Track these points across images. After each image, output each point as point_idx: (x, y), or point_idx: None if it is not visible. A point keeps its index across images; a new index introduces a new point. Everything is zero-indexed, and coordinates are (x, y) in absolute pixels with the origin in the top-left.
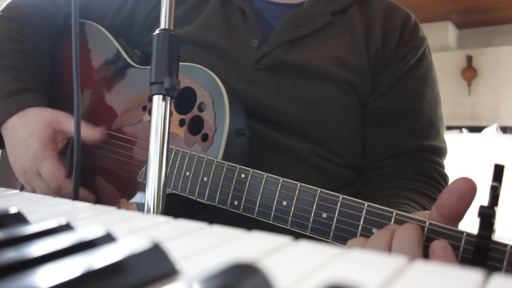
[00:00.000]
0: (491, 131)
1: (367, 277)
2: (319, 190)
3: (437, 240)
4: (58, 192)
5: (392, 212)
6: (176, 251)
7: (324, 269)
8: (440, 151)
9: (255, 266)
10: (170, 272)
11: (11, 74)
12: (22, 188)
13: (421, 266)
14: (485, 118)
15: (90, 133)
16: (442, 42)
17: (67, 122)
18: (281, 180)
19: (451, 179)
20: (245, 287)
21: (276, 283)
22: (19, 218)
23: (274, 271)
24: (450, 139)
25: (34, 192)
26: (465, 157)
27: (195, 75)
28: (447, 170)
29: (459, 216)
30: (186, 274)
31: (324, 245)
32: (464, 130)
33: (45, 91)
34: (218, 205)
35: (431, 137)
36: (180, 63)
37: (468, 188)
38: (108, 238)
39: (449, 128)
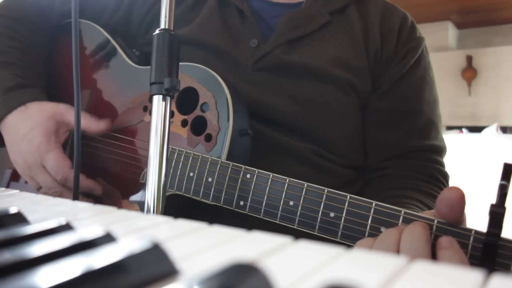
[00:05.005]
0: (491, 131)
1: (367, 277)
2: (326, 190)
3: (443, 236)
4: (64, 185)
5: (400, 211)
6: (176, 251)
7: (324, 269)
8: (440, 150)
9: (255, 266)
10: (170, 272)
11: (10, 70)
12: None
13: (421, 266)
14: (485, 118)
15: (94, 125)
16: (442, 42)
17: (69, 114)
18: (287, 180)
19: (451, 179)
20: (245, 287)
21: (276, 283)
22: (19, 218)
23: (274, 271)
24: (450, 139)
25: (39, 188)
26: (465, 157)
27: (197, 75)
28: (447, 170)
29: (456, 222)
30: (186, 274)
31: (324, 245)
32: (464, 130)
33: (43, 88)
34: (223, 206)
35: (432, 136)
36: (181, 63)
37: (456, 199)
38: (108, 238)
39: (449, 128)
